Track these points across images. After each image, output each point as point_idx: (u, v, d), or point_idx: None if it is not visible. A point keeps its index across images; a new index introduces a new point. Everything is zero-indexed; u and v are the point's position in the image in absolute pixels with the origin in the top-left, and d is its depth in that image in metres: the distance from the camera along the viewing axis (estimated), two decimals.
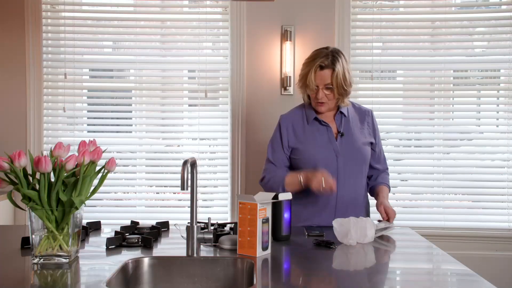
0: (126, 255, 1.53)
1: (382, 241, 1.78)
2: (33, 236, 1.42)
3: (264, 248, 1.54)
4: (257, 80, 3.13)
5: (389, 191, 2.18)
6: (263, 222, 1.52)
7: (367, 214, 2.17)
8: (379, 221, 1.94)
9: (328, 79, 2.02)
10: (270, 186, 2.07)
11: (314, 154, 2.04)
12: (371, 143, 2.15)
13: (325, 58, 2.03)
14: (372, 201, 2.16)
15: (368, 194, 2.22)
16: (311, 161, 2.03)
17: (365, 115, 2.17)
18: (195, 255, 1.51)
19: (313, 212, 2.04)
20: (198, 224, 1.54)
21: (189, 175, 1.45)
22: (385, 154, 3.08)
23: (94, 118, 3.23)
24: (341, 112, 2.11)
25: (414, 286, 1.33)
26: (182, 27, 3.22)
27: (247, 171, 3.11)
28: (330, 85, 2.03)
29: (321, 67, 2.03)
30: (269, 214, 1.56)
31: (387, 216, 1.96)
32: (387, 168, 2.26)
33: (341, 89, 2.04)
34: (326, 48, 2.08)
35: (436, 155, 3.14)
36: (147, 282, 1.48)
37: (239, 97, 3.12)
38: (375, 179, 2.19)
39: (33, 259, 1.42)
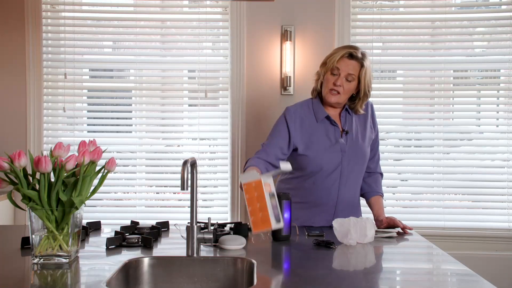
0: (126, 255, 1.53)
1: (382, 241, 1.78)
2: (33, 236, 1.42)
3: (278, 221, 1.52)
4: (257, 80, 3.13)
5: (383, 197, 2.15)
6: (270, 196, 1.51)
7: (360, 213, 2.14)
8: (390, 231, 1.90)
9: (353, 70, 1.98)
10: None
11: (321, 155, 1.98)
12: (372, 139, 2.11)
13: (358, 51, 2.00)
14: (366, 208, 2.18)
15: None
16: (317, 161, 1.98)
17: (367, 107, 2.12)
18: (195, 255, 1.51)
19: (311, 209, 2.03)
20: (198, 224, 1.54)
21: (189, 175, 1.44)
22: (386, 154, 3.15)
23: (94, 118, 3.23)
24: (347, 109, 2.06)
25: (414, 286, 1.33)
26: (182, 27, 3.22)
27: None
28: (353, 77, 1.98)
29: (351, 56, 1.99)
30: (273, 189, 1.55)
31: (393, 225, 1.93)
32: (381, 173, 2.19)
33: (366, 88, 2.01)
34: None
35: (436, 155, 3.14)
36: (147, 282, 1.48)
37: (239, 97, 3.12)
38: (368, 185, 2.13)
39: (33, 259, 1.42)
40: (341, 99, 2.01)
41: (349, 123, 2.06)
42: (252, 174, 1.52)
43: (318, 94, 2.09)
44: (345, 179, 2.01)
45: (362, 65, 1.99)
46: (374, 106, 3.10)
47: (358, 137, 2.05)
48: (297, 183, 2.05)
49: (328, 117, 2.02)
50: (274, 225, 1.50)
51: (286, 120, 2.03)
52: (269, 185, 1.53)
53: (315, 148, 1.99)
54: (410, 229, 1.91)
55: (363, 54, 2.02)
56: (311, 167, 2.00)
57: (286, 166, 1.63)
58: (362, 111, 2.07)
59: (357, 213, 2.10)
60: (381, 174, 2.19)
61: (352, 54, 1.98)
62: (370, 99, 2.14)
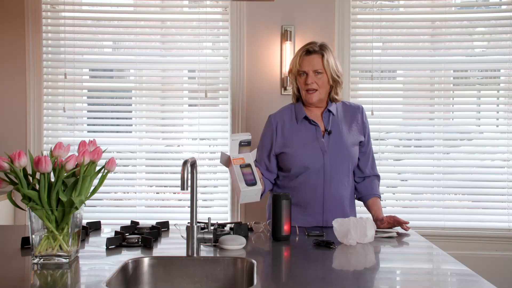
0: (126, 255, 1.53)
1: (382, 241, 1.78)
2: (33, 236, 1.42)
3: (250, 184, 1.65)
4: (257, 80, 3.13)
5: (380, 198, 2.15)
6: (242, 167, 1.67)
7: (354, 215, 2.15)
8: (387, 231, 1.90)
9: (317, 64, 2.02)
10: None
11: (300, 152, 2.03)
12: (360, 142, 2.11)
13: (314, 45, 2.06)
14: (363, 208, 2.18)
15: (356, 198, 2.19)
16: (298, 159, 2.03)
17: (355, 112, 2.14)
18: (195, 255, 1.51)
19: (301, 209, 2.04)
20: (198, 224, 1.54)
21: (189, 175, 1.45)
22: (386, 154, 3.15)
23: (94, 118, 3.23)
24: (329, 111, 2.09)
25: (414, 286, 1.33)
26: (182, 27, 3.22)
27: None
28: (321, 71, 2.03)
29: (308, 51, 2.04)
30: (249, 161, 1.71)
31: (395, 223, 1.92)
32: (378, 175, 2.19)
33: (334, 75, 2.04)
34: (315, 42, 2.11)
35: (436, 155, 3.14)
36: (147, 282, 1.48)
37: (239, 97, 3.12)
38: (365, 187, 2.14)
39: (33, 259, 1.42)
40: (321, 95, 2.06)
41: (333, 124, 2.08)
42: (223, 157, 1.70)
43: (298, 98, 2.14)
44: (329, 179, 2.02)
45: (322, 56, 2.03)
46: (375, 106, 3.14)
47: (342, 138, 2.06)
48: (286, 183, 2.10)
49: (306, 117, 2.07)
50: (243, 188, 1.64)
51: (267, 130, 2.13)
52: (242, 158, 1.70)
53: (293, 145, 2.05)
54: (407, 223, 1.92)
55: (321, 46, 2.06)
56: (295, 166, 2.04)
57: (241, 136, 1.76)
58: (339, 99, 2.11)
59: (350, 213, 2.09)
60: (378, 176, 2.19)
61: (309, 49, 2.05)
62: (364, 105, 2.20)
